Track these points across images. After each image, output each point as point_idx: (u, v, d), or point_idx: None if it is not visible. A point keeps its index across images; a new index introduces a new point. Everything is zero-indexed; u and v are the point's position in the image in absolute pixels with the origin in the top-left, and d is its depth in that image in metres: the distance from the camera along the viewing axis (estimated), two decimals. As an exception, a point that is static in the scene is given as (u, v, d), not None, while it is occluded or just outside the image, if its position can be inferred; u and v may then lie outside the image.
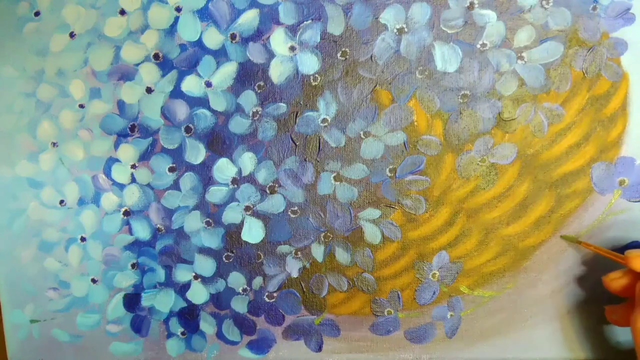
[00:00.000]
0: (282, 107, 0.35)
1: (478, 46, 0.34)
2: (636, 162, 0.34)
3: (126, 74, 0.36)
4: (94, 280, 0.38)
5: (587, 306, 0.35)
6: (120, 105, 0.36)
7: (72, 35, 0.36)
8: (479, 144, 0.35)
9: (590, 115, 0.34)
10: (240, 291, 0.37)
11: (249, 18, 0.35)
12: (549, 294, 0.35)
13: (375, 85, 0.35)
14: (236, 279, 0.37)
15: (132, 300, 0.38)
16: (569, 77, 0.34)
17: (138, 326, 0.38)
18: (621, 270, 0.31)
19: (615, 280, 0.31)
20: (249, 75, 0.35)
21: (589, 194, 0.34)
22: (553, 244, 0.35)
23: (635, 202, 0.34)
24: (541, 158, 0.34)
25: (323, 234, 0.36)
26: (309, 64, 0.35)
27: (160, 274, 0.37)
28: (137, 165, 0.37)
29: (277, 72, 0.35)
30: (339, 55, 0.35)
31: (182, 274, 0.37)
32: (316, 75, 0.35)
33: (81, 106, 0.37)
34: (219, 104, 0.36)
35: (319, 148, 0.35)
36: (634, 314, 0.29)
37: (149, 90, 0.36)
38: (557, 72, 0.34)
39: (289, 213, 0.36)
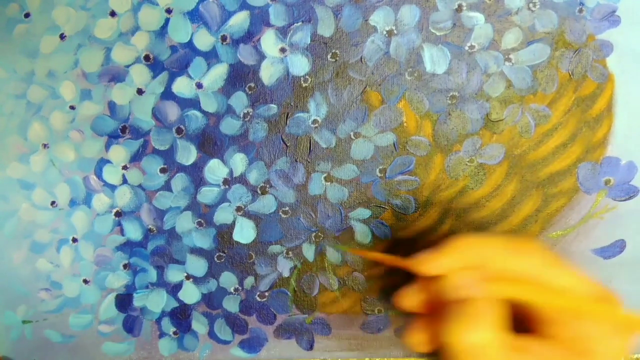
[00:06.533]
0: (273, 108, 0.36)
1: (466, 48, 0.34)
2: (621, 162, 0.34)
3: (117, 76, 0.36)
4: (85, 281, 0.38)
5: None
6: (111, 106, 0.36)
7: (62, 36, 0.36)
8: (467, 145, 0.35)
9: (577, 116, 0.34)
10: (232, 291, 0.37)
11: (240, 20, 0.35)
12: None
13: (365, 87, 0.35)
14: (228, 279, 0.37)
15: (124, 301, 0.38)
16: (556, 79, 0.34)
17: (130, 326, 0.38)
18: (414, 283, 0.25)
19: (409, 297, 0.25)
20: (240, 76, 0.35)
21: (575, 194, 0.35)
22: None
23: (621, 201, 0.35)
24: (528, 158, 0.35)
25: (314, 233, 0.36)
26: (300, 65, 0.35)
27: (152, 274, 0.37)
28: (128, 166, 0.37)
29: (268, 74, 0.35)
30: (329, 56, 0.35)
31: (173, 274, 0.37)
32: (306, 77, 0.35)
33: (72, 107, 0.36)
34: (210, 105, 0.36)
35: (310, 149, 0.36)
36: (441, 326, 0.23)
37: (139, 91, 0.36)
38: (544, 73, 0.34)
39: (280, 213, 0.36)
